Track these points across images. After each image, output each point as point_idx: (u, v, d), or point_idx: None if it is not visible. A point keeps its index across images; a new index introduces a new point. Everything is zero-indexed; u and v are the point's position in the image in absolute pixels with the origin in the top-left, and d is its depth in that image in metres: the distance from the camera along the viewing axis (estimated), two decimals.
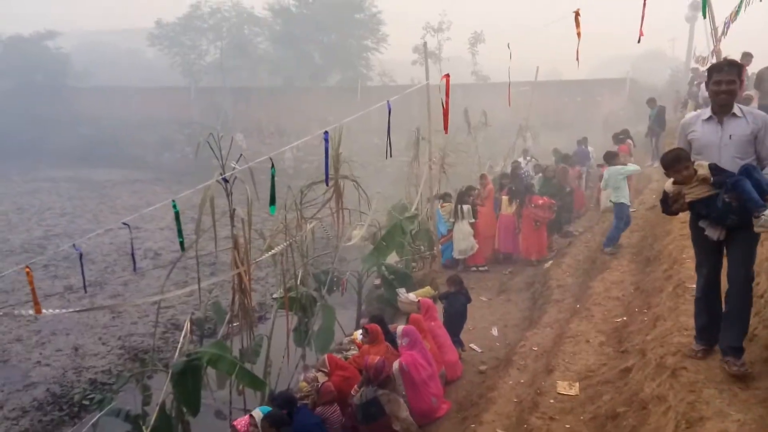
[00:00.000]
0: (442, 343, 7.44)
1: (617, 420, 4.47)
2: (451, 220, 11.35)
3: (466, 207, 11.18)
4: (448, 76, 6.87)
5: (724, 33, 12.65)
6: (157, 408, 5.82)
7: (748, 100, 10.13)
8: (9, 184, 25.64)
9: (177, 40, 40.65)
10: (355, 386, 6.25)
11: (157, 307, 9.01)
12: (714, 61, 17.51)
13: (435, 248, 12.08)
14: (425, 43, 15.39)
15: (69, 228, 18.28)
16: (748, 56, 12.16)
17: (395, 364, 6.36)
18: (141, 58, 53.38)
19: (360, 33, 38.94)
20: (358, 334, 7.70)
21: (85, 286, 5.78)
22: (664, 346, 4.76)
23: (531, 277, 10.63)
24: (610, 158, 9.89)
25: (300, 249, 8.63)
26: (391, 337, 7.04)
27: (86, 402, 8.46)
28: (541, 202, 11.09)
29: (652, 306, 6.30)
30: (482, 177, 12.43)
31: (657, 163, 15.17)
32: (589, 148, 15.65)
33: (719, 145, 3.95)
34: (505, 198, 11.56)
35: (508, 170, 14.88)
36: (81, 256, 5.58)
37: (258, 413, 5.18)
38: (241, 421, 5.58)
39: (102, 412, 6.14)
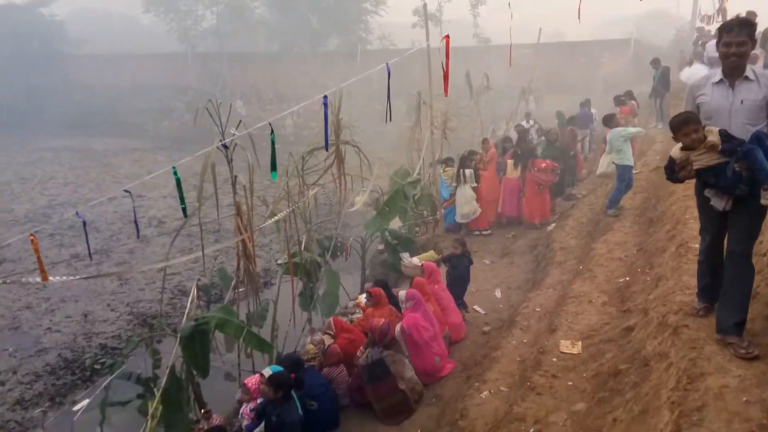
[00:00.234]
0: (445, 306, 7.54)
1: (619, 377, 4.56)
2: (454, 184, 11.34)
3: (468, 171, 11.16)
4: (448, 37, 6.73)
5: None
6: (167, 371, 5.93)
7: (753, 59, 9.96)
8: (10, 154, 25.54)
9: (172, 6, 39.84)
10: (361, 348, 6.37)
11: (164, 273, 9.12)
12: (720, 20, 17.18)
13: (438, 213, 12.10)
14: (425, 5, 15.04)
15: (72, 197, 18.30)
16: (752, 15, 11.90)
17: (397, 327, 6.47)
18: (135, 25, 52.45)
19: None
20: (363, 298, 7.80)
21: (90, 254, 5.82)
22: (666, 304, 4.82)
23: (534, 240, 10.68)
24: (608, 121, 9.79)
25: (303, 215, 8.66)
26: (394, 301, 7.14)
27: (97, 366, 8.64)
28: (543, 165, 11.05)
29: (655, 266, 6.34)
30: (484, 141, 12.38)
31: (661, 125, 15.05)
32: (593, 110, 15.50)
33: (730, 110, 3.75)
34: (510, 162, 11.51)
35: (511, 134, 14.81)
36: (84, 223, 5.61)
37: (268, 371, 5.30)
38: (252, 380, 5.72)
39: (113, 376, 6.26)
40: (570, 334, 5.84)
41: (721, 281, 4.02)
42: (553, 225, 10.82)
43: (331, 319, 7.08)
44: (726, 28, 3.75)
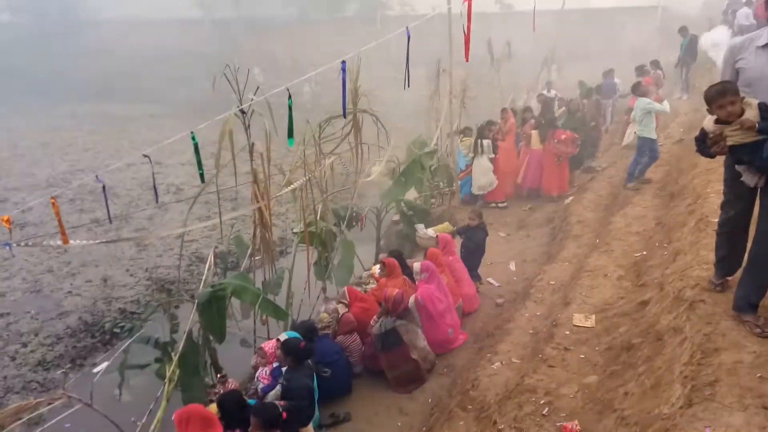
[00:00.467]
0: (459, 277, 7.55)
1: (632, 351, 4.55)
2: (471, 155, 11.21)
3: (486, 142, 11.01)
4: (470, 0, 6.58)
5: None
6: (185, 336, 6.04)
7: None
8: (32, 120, 25.81)
9: None
10: (374, 317, 6.42)
11: (181, 240, 9.23)
12: None
13: (454, 184, 12.02)
14: None
15: (93, 163, 18.49)
16: None
17: (411, 299, 6.50)
18: None
19: None
20: (377, 269, 7.83)
21: (110, 217, 5.87)
22: (683, 279, 4.76)
23: (551, 213, 10.58)
24: (636, 89, 9.53)
25: (319, 184, 8.65)
26: (408, 272, 7.16)
27: (117, 330, 8.86)
28: (564, 137, 10.85)
29: (673, 240, 6.25)
30: (503, 111, 12.15)
31: (686, 96, 14.66)
32: (616, 80, 15.11)
33: None
34: (534, 132, 11.29)
35: (531, 104, 14.53)
36: (104, 187, 5.66)
37: (284, 337, 5.39)
38: (269, 344, 5.83)
39: (132, 339, 6.40)
40: (584, 308, 5.82)
41: (739, 255, 3.91)
42: (571, 198, 10.69)
43: (345, 288, 7.13)
44: None
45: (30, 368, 8.04)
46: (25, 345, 8.58)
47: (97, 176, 5.11)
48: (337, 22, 35.27)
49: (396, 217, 11.02)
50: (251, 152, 6.48)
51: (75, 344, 8.61)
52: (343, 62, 5.67)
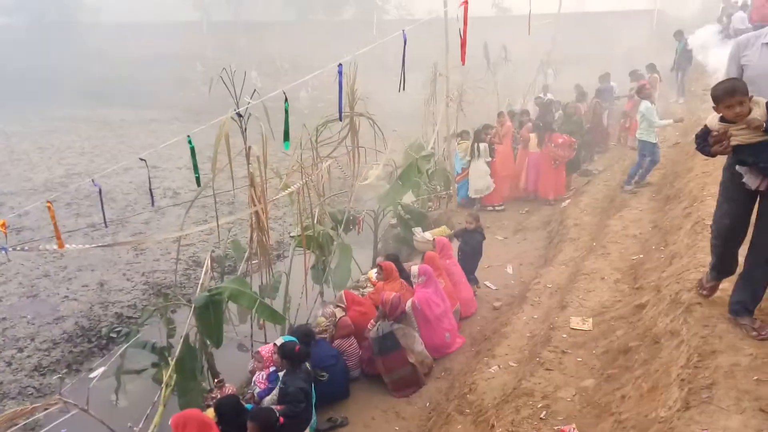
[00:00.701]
0: (456, 281, 7.55)
1: (629, 354, 4.55)
2: (467, 158, 11.23)
3: (483, 145, 11.04)
4: (466, 2, 6.58)
5: None
6: (182, 340, 6.02)
7: None
8: (27, 123, 25.76)
9: None
10: (372, 321, 6.42)
11: (178, 244, 9.19)
12: None
13: (451, 188, 12.03)
14: None
15: (89, 167, 18.45)
16: None
17: (408, 303, 6.49)
18: None
19: None
20: (373, 273, 7.82)
21: (105, 221, 5.86)
22: (680, 282, 4.77)
23: (548, 217, 10.60)
24: (641, 92, 9.61)
25: (316, 188, 8.65)
26: (405, 275, 7.15)
27: (113, 335, 8.80)
28: (561, 140, 10.88)
29: (670, 243, 6.27)
30: (500, 115, 12.19)
31: (682, 100, 14.71)
32: (612, 83, 15.16)
33: None
34: (532, 135, 11.33)
35: (529, 107, 14.56)
36: (100, 191, 5.64)
37: (280, 341, 5.39)
38: (266, 348, 5.83)
39: (129, 344, 6.37)
40: (581, 311, 5.82)
41: (733, 260, 3.84)
42: (568, 201, 10.71)
43: (342, 292, 7.12)
44: None
45: (26, 373, 7.99)
46: (21, 350, 8.54)
47: (93, 180, 5.09)
48: (335, 24, 35.34)
49: (393, 221, 11.01)
50: (248, 156, 6.47)
51: (71, 349, 8.56)
52: (340, 65, 5.68)
